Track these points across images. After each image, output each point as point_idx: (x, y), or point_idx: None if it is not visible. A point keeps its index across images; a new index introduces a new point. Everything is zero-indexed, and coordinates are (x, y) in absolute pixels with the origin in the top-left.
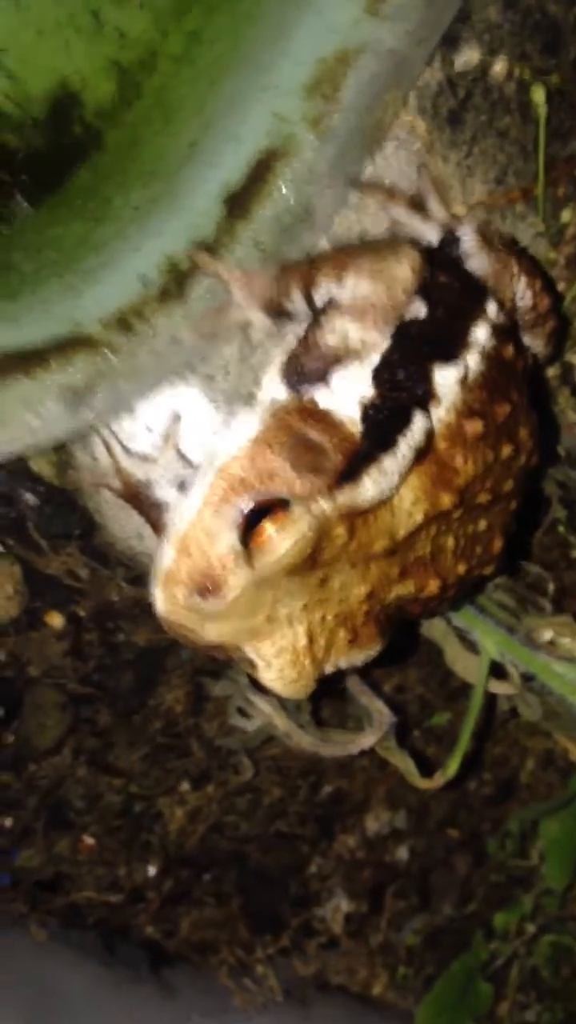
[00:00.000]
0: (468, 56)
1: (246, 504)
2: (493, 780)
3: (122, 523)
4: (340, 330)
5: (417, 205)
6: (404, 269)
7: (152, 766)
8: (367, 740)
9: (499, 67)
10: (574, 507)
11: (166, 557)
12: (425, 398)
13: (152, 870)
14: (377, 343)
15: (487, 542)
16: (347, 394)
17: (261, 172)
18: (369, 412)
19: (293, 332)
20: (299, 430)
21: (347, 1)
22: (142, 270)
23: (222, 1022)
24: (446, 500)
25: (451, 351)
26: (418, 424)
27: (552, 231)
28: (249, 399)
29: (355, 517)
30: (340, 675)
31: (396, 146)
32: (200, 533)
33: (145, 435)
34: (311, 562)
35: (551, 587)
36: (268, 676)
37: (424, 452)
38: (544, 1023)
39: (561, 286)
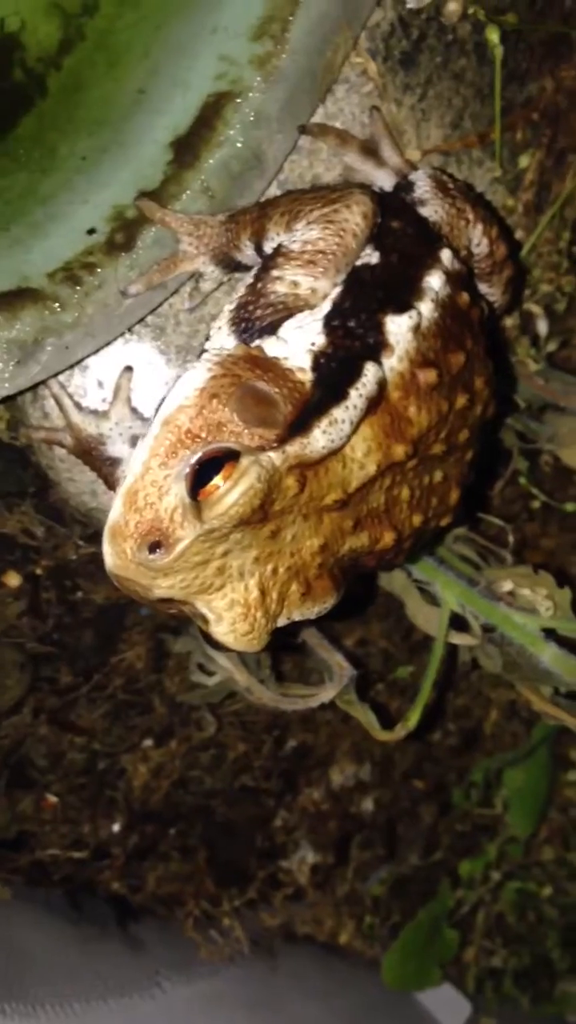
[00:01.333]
0: None
1: (194, 456)
2: (457, 731)
3: (75, 480)
4: (290, 279)
5: (370, 150)
6: (355, 216)
7: (114, 723)
8: (326, 694)
9: (453, 6)
10: (535, 458)
11: (114, 511)
12: (377, 347)
13: (117, 827)
14: (328, 291)
15: (443, 493)
16: (297, 343)
17: (209, 117)
18: (320, 361)
19: (243, 281)
20: (248, 380)
21: None
22: (90, 221)
23: (189, 975)
24: (399, 451)
25: (404, 299)
26: (370, 373)
27: (510, 177)
28: (201, 351)
29: (306, 468)
30: (296, 628)
31: (347, 89)
32: (148, 486)
33: (96, 390)
34: (261, 514)
35: (511, 539)
36: (220, 630)
37: (376, 402)
38: (511, 968)
39: (519, 234)
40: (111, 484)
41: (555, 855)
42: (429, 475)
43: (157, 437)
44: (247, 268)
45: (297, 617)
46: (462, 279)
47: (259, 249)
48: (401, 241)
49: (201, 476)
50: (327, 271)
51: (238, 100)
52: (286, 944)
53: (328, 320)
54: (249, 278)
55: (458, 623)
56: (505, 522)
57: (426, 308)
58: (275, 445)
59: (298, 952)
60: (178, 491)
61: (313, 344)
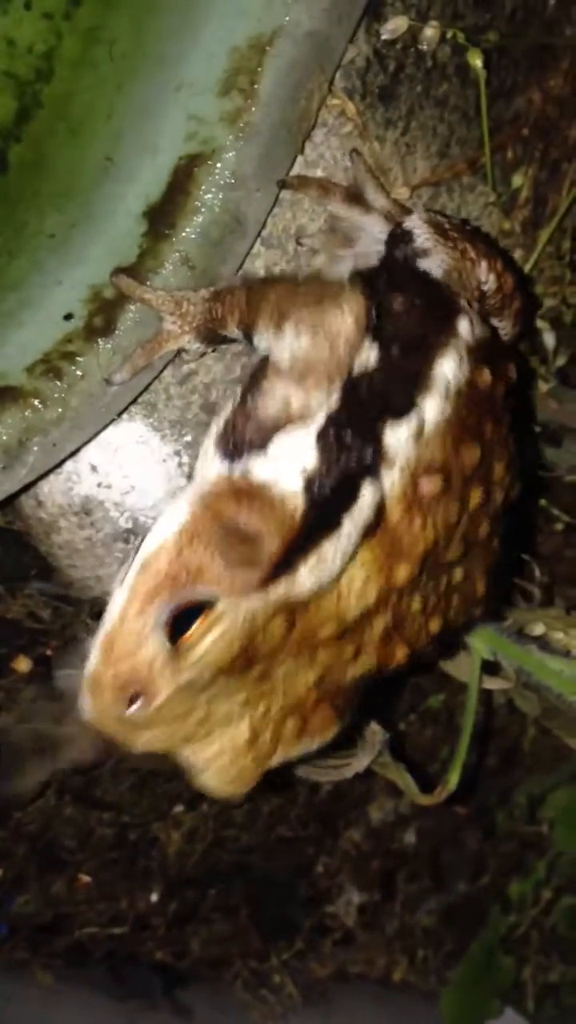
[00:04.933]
0: (395, 24)
1: (171, 604)
2: (496, 751)
3: (77, 566)
4: (280, 395)
5: (355, 196)
6: (346, 321)
7: (142, 794)
8: (360, 763)
9: (430, 32)
10: (554, 484)
11: (91, 660)
12: (375, 461)
13: (154, 896)
14: (321, 405)
15: (467, 590)
16: (288, 464)
17: (182, 182)
18: (312, 485)
19: (230, 401)
20: (231, 517)
21: None
22: (66, 305)
23: None
24: (402, 573)
25: (407, 399)
26: (366, 497)
27: (504, 198)
28: (196, 424)
29: (295, 607)
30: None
31: (326, 133)
32: (125, 635)
33: (90, 475)
34: (245, 658)
35: (538, 573)
36: (206, 780)
37: (375, 525)
38: (568, 982)
39: (518, 253)
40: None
41: None
42: (447, 578)
43: (135, 582)
44: (232, 341)
45: (295, 755)
46: (484, 349)
47: (248, 338)
48: (406, 325)
49: (180, 624)
50: (319, 383)
51: (211, 161)
52: (339, 986)
53: (321, 435)
54: (237, 395)
55: (490, 666)
56: (530, 556)
57: (432, 407)
58: (258, 588)
59: (352, 993)
60: (156, 640)
61: (305, 465)
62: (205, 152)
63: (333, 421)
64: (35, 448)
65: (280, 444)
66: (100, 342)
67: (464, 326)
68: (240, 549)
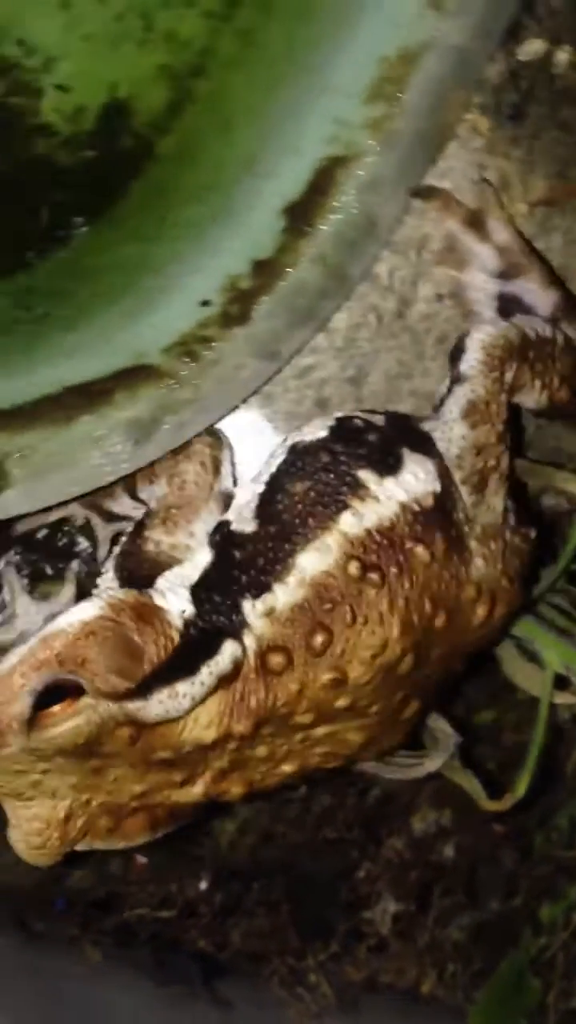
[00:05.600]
0: (532, 47)
1: (49, 678)
2: (539, 772)
3: None
4: (153, 540)
5: (476, 221)
6: (193, 465)
7: None
8: (432, 763)
9: (563, 56)
10: None
11: None
12: (237, 626)
13: (204, 884)
14: (190, 544)
15: (337, 743)
16: (171, 602)
17: (322, 183)
18: (188, 627)
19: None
20: (126, 630)
21: None
22: (203, 292)
23: None
24: (240, 728)
25: (267, 579)
26: (225, 653)
27: None
28: (307, 418)
29: (143, 725)
30: None
31: (457, 145)
32: (7, 684)
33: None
34: (88, 751)
35: None
36: (14, 836)
37: (230, 679)
38: None
39: None
40: None
41: None
42: (304, 734)
43: (31, 648)
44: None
45: (100, 847)
46: (382, 533)
47: (133, 497)
48: (288, 509)
49: (47, 698)
50: (178, 524)
51: (352, 164)
52: (367, 995)
53: (195, 589)
54: (128, 530)
55: (561, 680)
56: None
57: (284, 593)
58: (120, 697)
59: (379, 1003)
60: (24, 703)
61: (184, 611)
62: (347, 155)
63: (206, 577)
64: (165, 426)
65: (163, 584)
66: (236, 329)
67: (348, 520)
68: (122, 660)
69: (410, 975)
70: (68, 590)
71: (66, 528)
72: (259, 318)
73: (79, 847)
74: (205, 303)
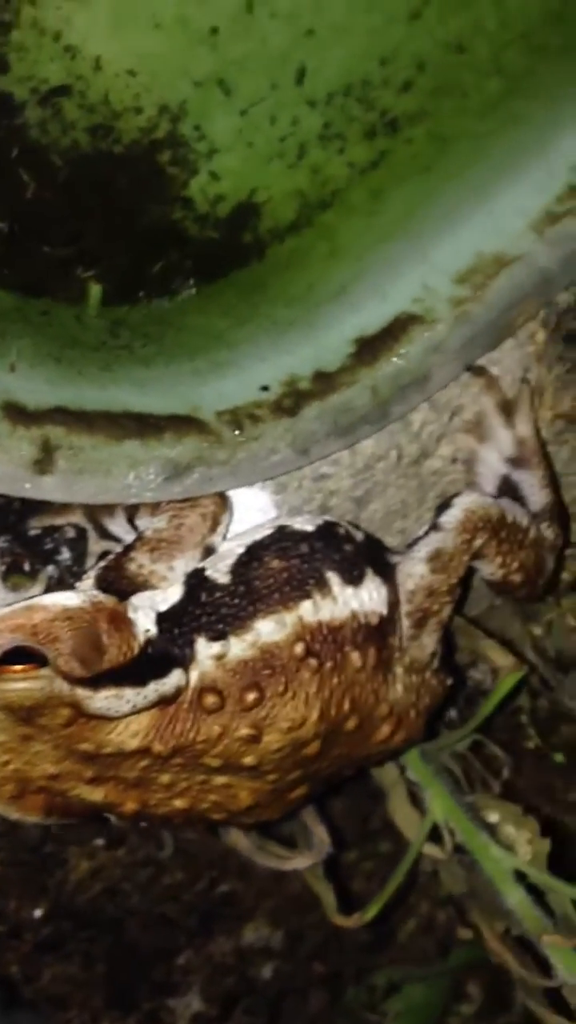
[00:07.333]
0: None
1: (19, 642)
2: (372, 929)
3: None
4: (137, 561)
5: (506, 408)
6: (195, 514)
7: None
8: (301, 862)
9: None
10: (537, 699)
11: None
12: (187, 658)
13: (38, 912)
14: (166, 575)
15: (226, 796)
16: (140, 619)
17: (396, 330)
18: (148, 645)
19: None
20: (99, 628)
21: (519, 215)
22: (265, 379)
23: None
24: (158, 748)
25: (225, 628)
26: (172, 678)
27: None
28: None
29: (80, 713)
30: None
31: (513, 344)
32: None
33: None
34: (27, 716)
35: (506, 772)
36: None
37: (169, 702)
38: None
39: None
40: None
41: None
42: (205, 777)
43: (15, 611)
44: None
45: None
46: (320, 637)
47: (130, 521)
48: (261, 578)
49: (11, 657)
50: (163, 555)
51: (426, 326)
52: None
53: (161, 617)
54: (119, 549)
55: (435, 833)
56: (501, 750)
57: (237, 646)
58: (74, 681)
59: None
60: None
61: (148, 630)
62: (424, 317)
63: (173, 610)
64: (195, 475)
65: (137, 602)
66: (283, 419)
67: (307, 607)
68: (87, 650)
69: None
70: (36, 589)
71: (55, 535)
72: (305, 417)
73: None
74: (264, 388)
